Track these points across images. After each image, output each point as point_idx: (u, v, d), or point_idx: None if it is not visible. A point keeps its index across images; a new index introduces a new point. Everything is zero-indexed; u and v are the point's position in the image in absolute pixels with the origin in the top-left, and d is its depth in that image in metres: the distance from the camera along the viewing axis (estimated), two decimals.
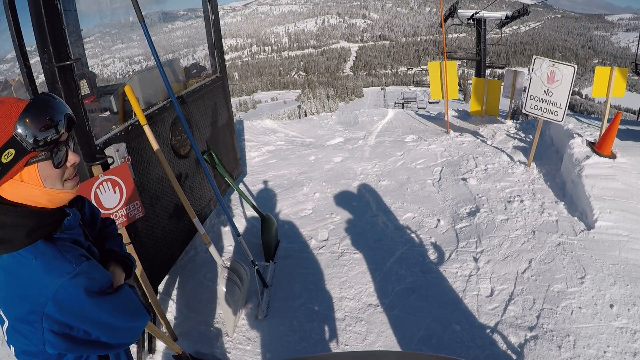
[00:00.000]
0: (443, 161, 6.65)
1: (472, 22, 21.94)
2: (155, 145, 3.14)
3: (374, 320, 3.66)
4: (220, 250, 4.70)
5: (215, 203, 4.73)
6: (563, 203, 5.00)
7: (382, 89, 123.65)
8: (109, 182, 2.78)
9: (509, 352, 3.21)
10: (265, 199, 5.90)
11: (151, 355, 3.44)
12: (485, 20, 21.95)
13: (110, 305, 1.37)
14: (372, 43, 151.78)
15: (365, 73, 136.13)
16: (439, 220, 5.01)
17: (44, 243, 1.29)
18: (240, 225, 5.17)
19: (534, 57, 5.62)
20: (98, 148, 2.86)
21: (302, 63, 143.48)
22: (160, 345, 3.45)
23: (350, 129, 9.27)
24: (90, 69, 5.16)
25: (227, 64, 5.14)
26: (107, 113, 3.80)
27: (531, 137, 7.12)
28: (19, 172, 1.23)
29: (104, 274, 1.41)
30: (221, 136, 4.91)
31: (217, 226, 5.01)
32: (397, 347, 3.38)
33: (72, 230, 1.41)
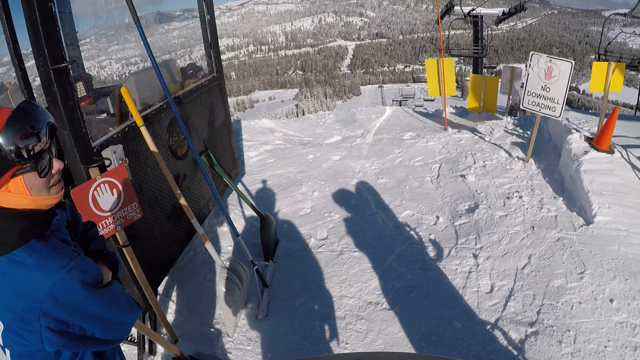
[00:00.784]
0: (441, 158, 6.65)
1: (469, 19, 21.94)
2: (152, 147, 3.13)
3: (375, 319, 3.66)
4: (219, 250, 4.70)
5: (214, 203, 4.72)
6: (562, 198, 5.00)
7: (379, 86, 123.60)
8: (106, 184, 2.77)
9: (509, 348, 3.21)
10: (264, 199, 5.90)
11: (152, 357, 3.44)
12: (482, 16, 21.95)
13: (103, 299, 1.41)
14: (369, 41, 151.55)
15: (362, 71, 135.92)
16: (438, 217, 5.01)
17: (37, 241, 1.33)
18: (239, 225, 5.17)
19: (531, 53, 5.62)
20: (95, 150, 2.85)
21: (299, 62, 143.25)
22: (160, 347, 3.45)
23: (348, 127, 9.27)
24: (86, 71, 5.15)
25: (224, 63, 5.13)
26: (104, 115, 3.79)
27: (529, 133, 7.12)
28: (6, 184, 1.26)
29: (96, 267, 1.46)
30: (219, 136, 4.90)
31: (216, 226, 5.01)
32: (398, 345, 3.38)
33: (61, 231, 1.46)
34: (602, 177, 4.85)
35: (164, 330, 3.58)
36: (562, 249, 4.15)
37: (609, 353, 3.04)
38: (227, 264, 3.57)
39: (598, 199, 4.56)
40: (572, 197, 4.97)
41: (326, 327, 3.64)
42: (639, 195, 4.61)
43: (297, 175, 6.58)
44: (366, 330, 3.56)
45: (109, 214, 2.82)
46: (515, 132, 7.43)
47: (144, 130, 3.09)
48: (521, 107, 5.88)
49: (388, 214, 5.21)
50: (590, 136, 5.67)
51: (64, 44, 2.59)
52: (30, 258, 1.29)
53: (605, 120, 5.63)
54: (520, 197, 5.13)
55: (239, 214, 5.39)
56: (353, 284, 4.08)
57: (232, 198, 5.70)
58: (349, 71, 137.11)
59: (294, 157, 7.36)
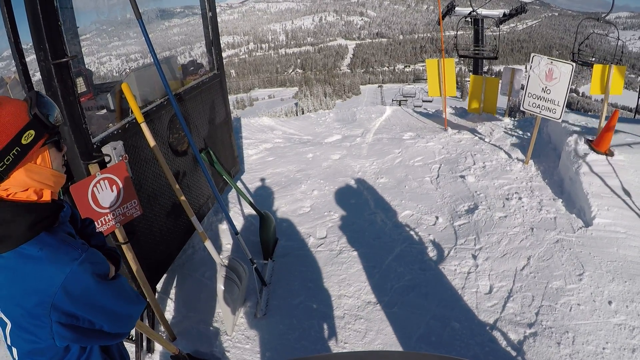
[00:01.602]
0: (441, 158, 6.65)
1: (470, 20, 21.94)
2: (152, 143, 3.12)
3: (373, 318, 3.66)
4: (218, 248, 4.69)
5: (213, 201, 4.71)
6: (561, 200, 5.01)
7: (379, 86, 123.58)
8: (106, 181, 2.76)
9: (508, 349, 3.21)
10: (263, 197, 5.89)
11: (150, 355, 3.43)
12: (482, 18, 21.96)
13: (113, 291, 1.44)
14: (370, 40, 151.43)
15: (362, 70, 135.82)
16: (437, 218, 5.01)
17: (46, 235, 1.34)
18: (239, 223, 5.16)
19: (532, 54, 5.62)
20: (95, 146, 2.84)
21: (299, 60, 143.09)
22: (159, 345, 3.44)
23: (348, 127, 9.26)
24: (87, 66, 5.14)
25: (224, 61, 5.12)
26: (104, 111, 3.78)
27: (529, 134, 7.12)
28: (36, 152, 1.34)
29: (105, 260, 1.48)
30: (219, 134, 4.89)
31: (215, 224, 5.00)
32: (397, 345, 3.38)
33: (66, 224, 1.48)
34: (602, 179, 4.85)
35: (162, 328, 3.57)
36: (561, 250, 4.15)
37: (607, 355, 3.04)
38: (226, 262, 3.57)
39: (597, 201, 4.56)
40: (572, 199, 4.97)
41: (325, 326, 3.64)
42: (638, 198, 4.61)
43: (297, 173, 6.57)
44: (365, 329, 3.56)
45: (108, 210, 2.81)
46: (515, 134, 7.44)
47: (144, 127, 3.08)
48: (521, 108, 5.88)
49: (387, 214, 5.21)
50: (590, 138, 5.67)
51: (65, 38, 2.58)
52: (41, 251, 1.29)
53: (605, 122, 5.63)
54: (520, 198, 5.14)
55: (238, 212, 5.38)
56: (352, 284, 4.08)
57: (232, 196, 5.69)
58: (348, 70, 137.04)
59: (294, 155, 7.36)
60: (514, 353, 3.17)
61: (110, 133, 3.03)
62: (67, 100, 2.60)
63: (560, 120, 5.70)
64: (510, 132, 7.54)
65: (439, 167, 6.33)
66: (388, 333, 3.49)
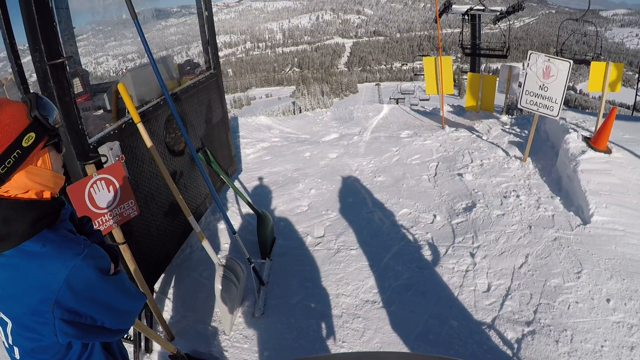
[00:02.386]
0: (438, 156, 6.65)
1: (467, 18, 21.92)
2: (149, 143, 3.11)
3: (371, 317, 3.66)
4: (216, 248, 4.68)
5: (211, 200, 4.70)
6: (559, 198, 5.01)
7: (376, 84, 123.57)
8: (102, 181, 2.75)
9: (506, 347, 3.22)
10: (261, 196, 5.88)
11: (148, 355, 3.42)
12: (479, 15, 21.95)
13: (114, 286, 1.46)
14: (367, 39, 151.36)
15: (359, 69, 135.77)
16: (435, 216, 5.01)
17: (48, 231, 1.35)
18: (236, 222, 5.15)
19: (530, 52, 5.62)
20: (91, 147, 2.83)
21: (296, 59, 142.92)
22: (157, 345, 3.43)
23: (345, 125, 9.25)
24: (83, 67, 5.12)
25: (221, 60, 5.11)
26: (101, 111, 3.77)
27: (527, 132, 7.13)
28: (36, 155, 1.35)
29: (106, 255, 1.49)
30: (216, 133, 4.88)
31: (212, 224, 4.99)
32: (395, 344, 3.37)
33: (66, 222, 1.49)
34: (600, 177, 4.85)
35: (160, 328, 3.57)
36: (559, 248, 4.15)
37: (606, 353, 3.05)
38: (224, 261, 3.56)
39: (595, 198, 4.56)
40: (569, 196, 4.97)
41: (323, 326, 3.64)
42: (636, 196, 4.62)
43: (294, 172, 6.56)
44: (363, 328, 3.55)
45: (105, 211, 2.80)
46: (513, 131, 7.44)
47: (140, 127, 3.07)
48: (519, 106, 5.88)
49: (385, 212, 5.20)
50: (588, 136, 5.68)
51: (60, 39, 2.57)
52: (44, 247, 1.31)
53: (602, 120, 5.64)
54: (518, 196, 5.14)
55: (236, 211, 5.38)
56: (350, 282, 4.08)
57: (229, 195, 5.68)
58: (346, 69, 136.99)
59: (291, 154, 7.35)
60: (512, 351, 3.17)
61: (107, 133, 3.02)
62: (63, 101, 2.59)
63: (558, 118, 5.70)
64: (507, 130, 7.54)
65: (437, 165, 6.33)
66: (386, 332, 3.49)
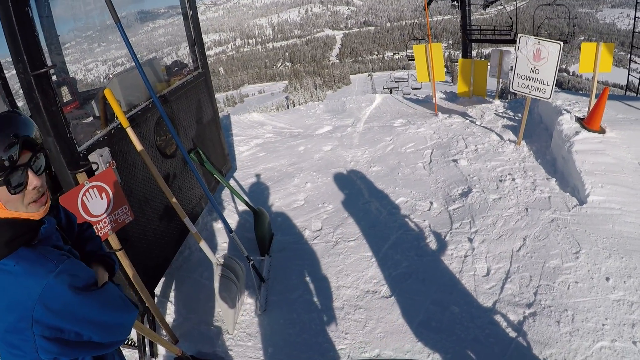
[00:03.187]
0: (433, 144, 6.64)
1: (457, 4, 21.76)
2: (139, 148, 3.09)
3: (373, 307, 3.67)
4: (214, 248, 4.68)
5: (207, 201, 4.69)
6: (555, 179, 5.01)
7: (369, 75, 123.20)
8: (95, 189, 2.73)
9: (508, 330, 3.23)
10: (257, 193, 5.87)
11: (153, 359, 3.43)
12: (469, 0, 21.79)
13: (97, 302, 1.38)
14: (357, 30, 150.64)
15: (351, 60, 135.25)
16: (431, 203, 5.01)
17: (24, 249, 1.30)
18: (233, 221, 5.15)
19: (519, 35, 5.60)
20: (81, 155, 2.81)
21: (287, 54, 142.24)
22: (162, 348, 3.44)
23: (338, 117, 9.22)
24: (72, 74, 5.09)
25: (211, 59, 5.10)
26: (90, 118, 3.74)
27: (520, 115, 7.12)
28: None
29: (87, 270, 1.43)
30: (207, 133, 4.86)
31: (209, 224, 4.98)
32: (398, 332, 3.38)
33: (50, 237, 1.42)
34: (594, 157, 4.85)
35: (163, 332, 3.57)
36: (557, 229, 4.16)
37: (607, 331, 3.06)
38: (222, 260, 3.56)
39: (591, 178, 4.57)
40: (565, 177, 4.98)
41: (325, 318, 3.64)
42: (631, 174, 4.62)
43: (289, 167, 6.55)
44: (365, 319, 3.56)
45: (99, 218, 2.79)
46: (506, 115, 7.43)
47: (130, 132, 3.05)
48: (511, 89, 5.86)
49: (382, 202, 5.20)
50: (581, 117, 5.67)
51: (43, 49, 2.54)
52: (17, 265, 1.26)
53: (595, 100, 5.63)
54: (513, 179, 5.14)
55: (232, 209, 5.37)
56: (350, 274, 4.08)
57: (225, 194, 5.67)
58: (338, 61, 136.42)
59: (285, 149, 7.33)
60: (514, 334, 3.19)
61: (96, 140, 3.00)
62: (49, 111, 2.57)
63: (550, 100, 5.70)
64: (501, 114, 7.53)
65: (431, 153, 6.32)
66: (388, 321, 3.50)
